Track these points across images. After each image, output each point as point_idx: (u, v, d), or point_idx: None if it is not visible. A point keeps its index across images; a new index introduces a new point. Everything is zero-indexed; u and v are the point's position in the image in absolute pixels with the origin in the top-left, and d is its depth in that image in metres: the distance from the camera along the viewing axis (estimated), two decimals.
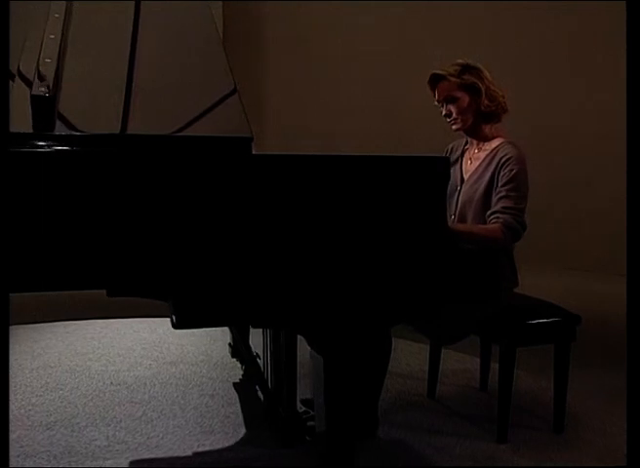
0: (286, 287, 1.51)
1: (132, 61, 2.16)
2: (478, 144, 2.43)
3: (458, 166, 2.49)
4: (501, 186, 2.26)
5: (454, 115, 2.36)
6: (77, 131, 1.58)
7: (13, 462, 2.18)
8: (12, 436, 2.35)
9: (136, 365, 3.17)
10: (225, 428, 2.46)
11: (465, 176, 2.44)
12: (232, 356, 3.13)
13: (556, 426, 2.48)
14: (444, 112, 2.37)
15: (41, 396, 2.76)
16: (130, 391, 2.83)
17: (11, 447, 2.27)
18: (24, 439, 2.35)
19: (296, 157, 1.51)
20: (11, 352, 3.26)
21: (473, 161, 2.43)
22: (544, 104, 5.16)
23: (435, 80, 2.37)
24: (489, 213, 2.25)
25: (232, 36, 5.50)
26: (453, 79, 2.33)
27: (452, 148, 2.56)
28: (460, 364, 3.17)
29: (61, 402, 2.69)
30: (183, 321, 1.48)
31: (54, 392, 2.80)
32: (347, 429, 1.64)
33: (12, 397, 2.72)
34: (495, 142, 2.38)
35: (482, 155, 2.39)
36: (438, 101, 2.39)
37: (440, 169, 1.62)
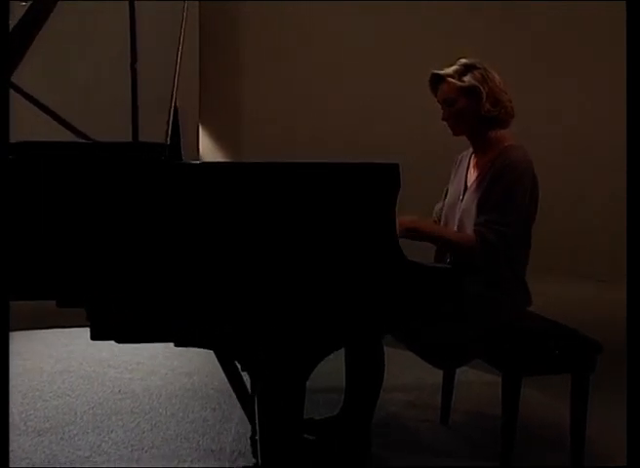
0: (209, 303, 1.40)
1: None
2: (482, 151, 2.23)
3: (463, 175, 2.30)
4: (493, 194, 2.06)
5: (452, 119, 2.18)
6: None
7: None
8: None
9: (151, 373, 3.15)
10: (213, 445, 2.37)
11: (468, 185, 2.24)
12: (242, 370, 3.04)
13: (575, 464, 2.22)
14: (442, 116, 2.19)
15: (47, 401, 2.77)
16: (133, 400, 2.80)
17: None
18: (11, 444, 2.35)
19: (219, 165, 1.40)
20: (36, 355, 3.33)
21: (476, 169, 2.23)
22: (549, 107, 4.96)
23: (435, 80, 2.20)
24: (474, 222, 2.06)
25: (208, 37, 5.43)
26: (452, 80, 2.15)
27: (461, 158, 2.37)
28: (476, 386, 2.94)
29: (63, 408, 2.69)
30: (98, 333, 1.40)
31: (60, 398, 2.81)
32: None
33: (19, 400, 2.76)
34: (499, 148, 2.17)
35: (485, 162, 2.18)
36: (439, 103, 2.21)
37: (387, 176, 1.46)
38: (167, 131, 2.60)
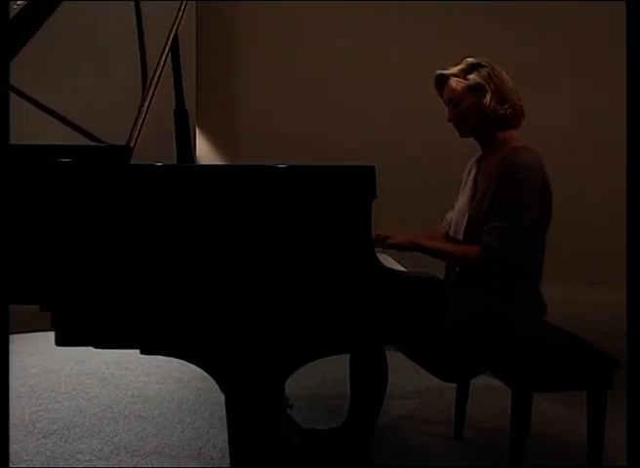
0: (172, 309, 1.35)
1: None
2: (490, 153, 2.12)
3: (472, 180, 2.19)
4: (498, 199, 1.95)
5: (458, 120, 2.08)
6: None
7: None
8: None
9: (167, 378, 3.13)
10: (214, 453, 2.33)
11: (477, 191, 2.14)
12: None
13: None
14: (448, 116, 2.10)
15: (59, 402, 2.79)
16: (144, 405, 2.78)
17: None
18: (16, 445, 2.36)
19: (178, 167, 1.35)
20: (57, 356, 3.36)
21: (485, 173, 2.12)
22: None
23: (440, 80, 2.11)
24: (482, 231, 1.95)
25: (206, 36, 5.39)
26: (456, 80, 2.06)
27: (472, 163, 2.27)
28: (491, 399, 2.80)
29: (73, 410, 2.70)
30: (62, 338, 1.37)
31: (73, 399, 2.82)
32: None
33: (33, 401, 2.79)
34: (507, 149, 2.05)
35: (493, 165, 2.07)
36: (444, 104, 2.12)
37: (361, 179, 1.38)
38: (177, 133, 2.60)
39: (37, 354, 3.39)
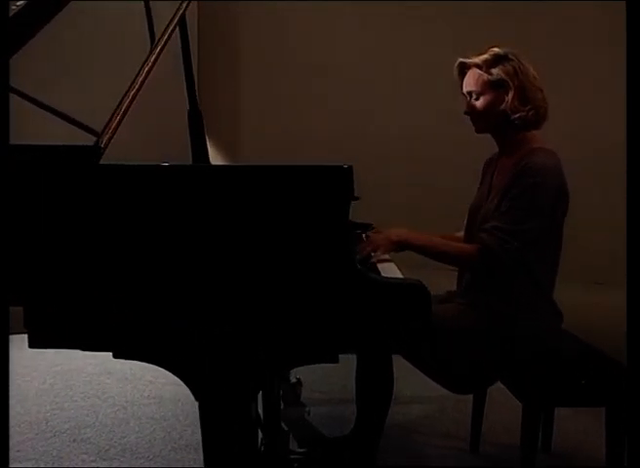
0: (144, 312, 1.32)
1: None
2: (507, 153, 2.01)
3: (489, 178, 2.09)
4: (507, 200, 1.85)
5: (475, 114, 1.97)
6: None
7: None
8: (17, 439, 2.40)
9: None
10: None
11: (491, 190, 2.03)
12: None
13: None
14: (465, 108, 1.99)
15: (75, 402, 2.80)
16: (158, 407, 2.77)
17: (10, 449, 2.31)
18: (25, 443, 2.38)
19: (147, 167, 1.31)
20: (81, 356, 3.37)
21: (500, 173, 2.01)
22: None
23: (462, 69, 2.00)
24: (481, 229, 1.86)
25: (207, 37, 5.34)
26: (478, 72, 1.94)
27: (489, 160, 2.16)
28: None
29: (87, 410, 2.71)
30: (35, 340, 1.35)
31: (89, 399, 2.84)
32: None
33: (50, 399, 2.81)
34: (525, 150, 1.94)
35: (509, 165, 1.96)
36: (462, 94, 2.01)
37: (338, 180, 1.31)
38: (192, 134, 2.58)
39: (62, 352, 3.41)
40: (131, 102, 1.44)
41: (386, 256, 1.93)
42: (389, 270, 1.73)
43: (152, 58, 1.60)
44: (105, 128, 1.34)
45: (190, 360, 1.36)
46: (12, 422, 2.57)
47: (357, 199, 1.46)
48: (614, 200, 3.46)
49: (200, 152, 2.58)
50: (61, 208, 1.29)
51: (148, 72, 1.55)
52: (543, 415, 2.35)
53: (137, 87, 1.48)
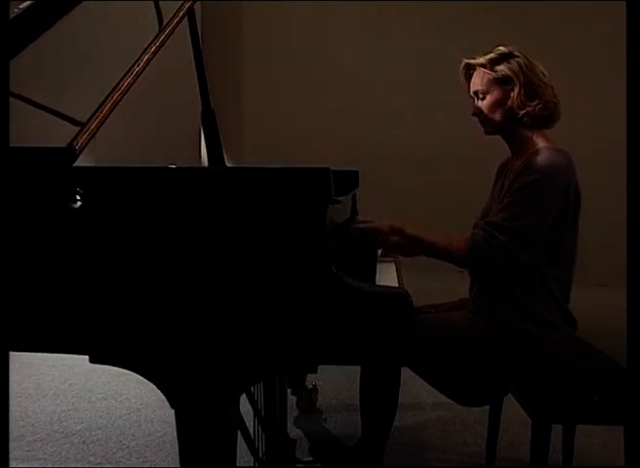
0: (115, 316, 1.29)
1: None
2: (517, 154, 1.92)
3: (501, 181, 2.00)
4: (505, 197, 1.76)
5: (482, 115, 1.89)
6: None
7: (11, 463, 2.23)
8: (28, 438, 2.42)
9: None
10: None
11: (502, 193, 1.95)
12: (289, 386, 2.90)
13: None
14: (473, 110, 1.91)
15: (92, 403, 2.81)
16: (171, 409, 2.75)
17: (19, 449, 2.34)
18: (37, 443, 2.39)
19: (118, 169, 1.28)
20: None
21: (509, 176, 1.93)
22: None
23: (468, 70, 1.93)
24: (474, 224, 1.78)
25: (211, 37, 5.27)
26: (483, 70, 1.87)
27: (503, 162, 2.07)
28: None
29: (102, 411, 2.72)
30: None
31: (106, 400, 2.84)
32: None
33: (66, 400, 2.83)
34: (532, 150, 1.85)
35: (517, 167, 1.88)
36: (470, 96, 1.94)
37: (314, 183, 1.25)
38: (206, 135, 2.56)
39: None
40: (114, 104, 1.41)
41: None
42: (387, 271, 1.67)
43: (143, 60, 1.58)
44: (82, 129, 1.31)
45: (163, 365, 1.32)
46: (26, 421, 2.60)
47: (338, 202, 1.40)
48: (614, 200, 3.36)
49: (215, 153, 2.56)
50: (32, 210, 1.27)
51: (138, 74, 1.53)
52: (564, 430, 2.26)
53: (122, 88, 1.45)
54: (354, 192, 2.64)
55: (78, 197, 1.26)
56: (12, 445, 2.36)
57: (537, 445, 1.80)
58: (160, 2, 2.01)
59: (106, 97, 1.40)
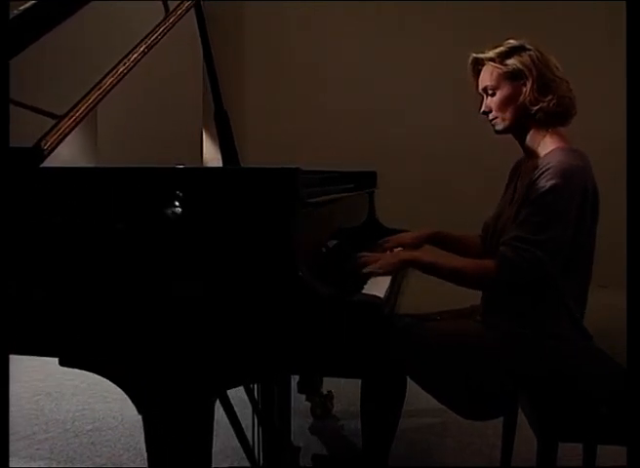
0: (81, 319, 1.27)
1: None
2: (530, 154, 1.81)
3: (514, 183, 1.90)
4: (525, 207, 1.65)
5: (493, 112, 1.79)
6: None
7: (19, 462, 2.25)
8: (39, 437, 2.44)
9: None
10: (224, 463, 2.23)
11: (515, 196, 1.85)
12: (299, 391, 2.85)
13: None
14: (482, 108, 1.81)
15: (107, 403, 2.82)
16: None
17: (29, 448, 2.36)
18: (46, 441, 2.41)
19: (74, 170, 1.25)
20: None
21: (523, 177, 1.82)
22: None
23: (476, 65, 1.83)
24: (500, 242, 1.67)
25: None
26: (493, 65, 1.77)
27: (516, 163, 1.97)
28: None
29: (116, 412, 2.72)
30: None
31: (120, 401, 2.83)
32: None
33: (83, 399, 2.86)
34: (547, 150, 1.74)
35: (531, 168, 1.77)
36: (478, 93, 1.84)
37: (281, 184, 1.20)
38: (220, 135, 2.53)
39: None
40: (92, 104, 1.39)
41: None
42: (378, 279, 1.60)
43: (130, 59, 1.55)
44: (52, 129, 1.29)
45: (130, 371, 1.29)
46: (41, 419, 2.63)
47: (307, 204, 1.34)
48: (614, 201, 3.22)
49: (230, 153, 2.53)
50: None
51: (122, 74, 1.51)
52: (584, 448, 2.13)
53: (103, 88, 1.43)
54: (371, 191, 2.58)
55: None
56: (21, 443, 2.39)
57: (542, 463, 1.70)
58: (169, 2, 1.99)
59: (83, 97, 1.38)
